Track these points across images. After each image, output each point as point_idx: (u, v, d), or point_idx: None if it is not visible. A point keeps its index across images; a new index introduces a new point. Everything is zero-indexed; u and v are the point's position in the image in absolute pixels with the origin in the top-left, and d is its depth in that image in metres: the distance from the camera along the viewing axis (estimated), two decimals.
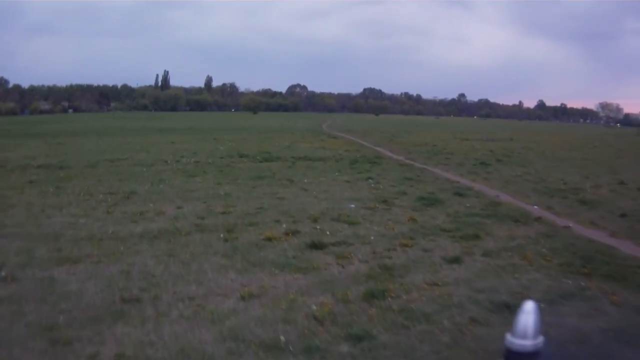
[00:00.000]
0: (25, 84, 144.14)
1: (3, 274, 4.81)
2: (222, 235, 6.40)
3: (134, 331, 3.67)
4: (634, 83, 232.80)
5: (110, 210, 7.94)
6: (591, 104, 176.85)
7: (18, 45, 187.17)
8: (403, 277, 4.95)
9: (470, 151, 20.85)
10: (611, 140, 32.92)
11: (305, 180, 11.41)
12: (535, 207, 9.08)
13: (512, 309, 3.79)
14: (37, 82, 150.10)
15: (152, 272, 5.00)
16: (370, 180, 11.56)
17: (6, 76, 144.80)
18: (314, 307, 4.13)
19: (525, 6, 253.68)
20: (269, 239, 6.18)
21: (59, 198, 9.08)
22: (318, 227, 6.89)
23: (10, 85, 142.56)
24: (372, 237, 6.37)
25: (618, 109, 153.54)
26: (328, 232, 6.59)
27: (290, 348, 3.45)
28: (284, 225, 6.92)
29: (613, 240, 6.80)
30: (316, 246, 5.91)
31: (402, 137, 30.69)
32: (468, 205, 8.79)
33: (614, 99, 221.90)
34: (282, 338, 3.57)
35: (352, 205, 8.40)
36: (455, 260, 5.54)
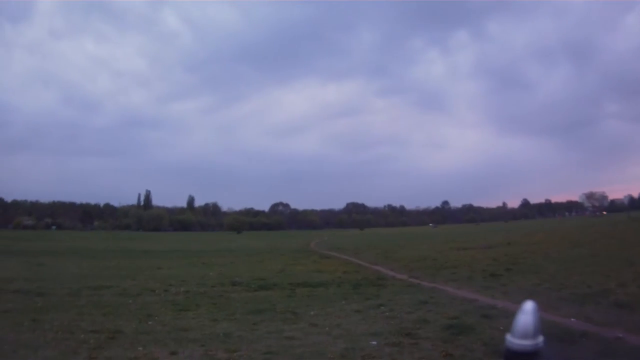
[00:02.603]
0: (7, 198, 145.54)
1: None
2: None
3: None
4: (616, 168, 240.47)
5: (92, 355, 6.76)
6: (575, 196, 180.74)
7: (0, 159, 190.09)
8: None
9: (473, 262, 20.07)
10: (608, 231, 32.55)
11: (312, 313, 10.29)
12: (573, 319, 8.21)
13: None
14: (19, 197, 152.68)
15: None
16: (382, 308, 10.53)
17: None
18: None
19: (500, 104, 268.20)
20: None
21: (35, 334, 7.97)
22: None
23: None
24: None
25: (603, 197, 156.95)
26: None
27: None
28: None
29: None
30: None
31: (396, 252, 29.94)
32: (502, 328, 7.81)
33: (598, 187, 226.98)
34: None
35: (374, 343, 7.37)
36: None
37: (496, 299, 10.87)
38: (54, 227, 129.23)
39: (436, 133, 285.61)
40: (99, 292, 13.53)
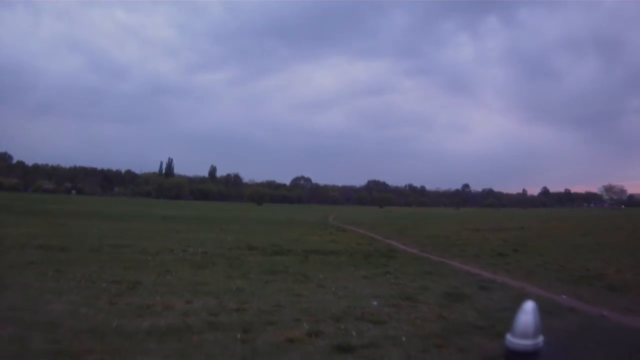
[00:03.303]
0: (29, 162, 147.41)
1: None
2: (238, 335, 5.78)
3: None
4: (637, 162, 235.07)
5: (113, 300, 7.39)
6: (594, 188, 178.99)
7: (23, 123, 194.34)
8: None
9: (483, 242, 20.54)
10: (621, 223, 32.49)
11: (321, 276, 10.89)
12: (564, 296, 8.74)
13: None
14: (40, 161, 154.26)
15: None
16: (388, 275, 11.16)
17: (10, 152, 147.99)
18: None
19: (527, 92, 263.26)
20: (291, 341, 5.64)
21: (59, 283, 8.61)
22: (342, 327, 6.40)
23: (14, 161, 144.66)
24: (403, 338, 5.95)
25: (622, 191, 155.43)
26: (354, 333, 6.11)
27: None
28: (305, 325, 6.36)
29: None
30: (344, 349, 5.45)
31: (411, 229, 30.49)
32: (496, 299, 8.41)
33: (617, 181, 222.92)
34: None
35: (375, 303, 8.01)
36: None
37: (497, 275, 11.39)
38: (73, 191, 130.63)
39: (461, 116, 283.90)
40: (120, 249, 14.07)
